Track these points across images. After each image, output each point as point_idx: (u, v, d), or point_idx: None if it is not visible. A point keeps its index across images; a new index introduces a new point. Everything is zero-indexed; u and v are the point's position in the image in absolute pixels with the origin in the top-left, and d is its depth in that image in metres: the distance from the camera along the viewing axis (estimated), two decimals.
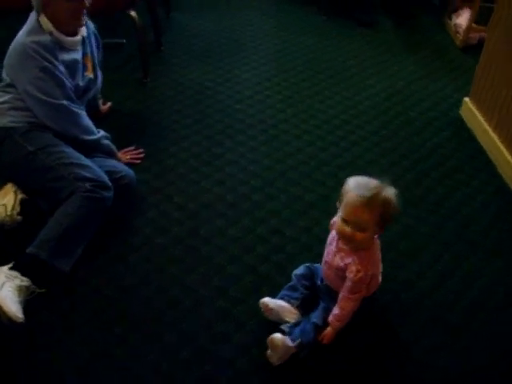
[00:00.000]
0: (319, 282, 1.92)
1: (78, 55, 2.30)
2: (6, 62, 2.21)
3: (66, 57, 2.22)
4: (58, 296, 1.96)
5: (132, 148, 2.62)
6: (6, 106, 2.19)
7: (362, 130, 2.92)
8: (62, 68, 2.19)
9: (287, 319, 1.83)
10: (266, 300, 1.86)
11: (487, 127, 2.81)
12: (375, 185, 1.67)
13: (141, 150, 2.63)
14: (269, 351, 1.76)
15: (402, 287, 2.05)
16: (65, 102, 2.20)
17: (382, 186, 1.68)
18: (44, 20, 2.15)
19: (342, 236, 1.73)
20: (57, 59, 2.17)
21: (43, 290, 1.95)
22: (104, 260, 2.11)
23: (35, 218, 2.13)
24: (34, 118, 2.19)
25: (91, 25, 2.45)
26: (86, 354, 1.79)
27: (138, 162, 2.58)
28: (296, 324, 1.81)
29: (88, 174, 2.11)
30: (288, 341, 1.73)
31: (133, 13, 3.06)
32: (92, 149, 2.34)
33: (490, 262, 2.20)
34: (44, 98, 2.16)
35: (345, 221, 1.69)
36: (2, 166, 2.22)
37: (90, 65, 2.42)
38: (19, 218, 2.16)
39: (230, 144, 2.75)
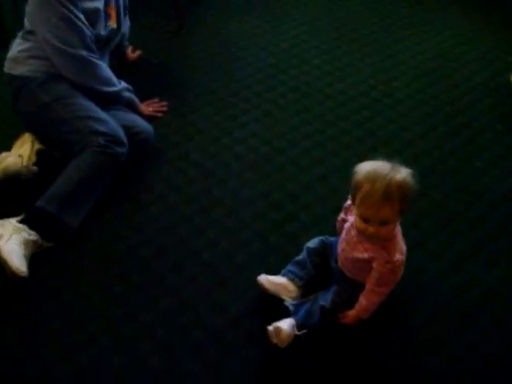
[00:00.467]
0: (334, 263, 1.80)
1: (100, 4, 2.20)
2: (26, 8, 2.15)
3: (87, 5, 2.14)
4: (64, 251, 1.97)
5: (155, 100, 2.56)
6: (25, 54, 2.16)
7: (399, 92, 2.73)
8: (82, 17, 2.12)
9: (285, 298, 1.76)
10: (263, 279, 1.79)
11: None
12: (387, 170, 1.53)
13: (164, 103, 2.56)
14: (272, 337, 1.68)
15: (417, 269, 1.94)
16: (84, 53, 2.13)
17: (394, 169, 1.54)
18: None
19: (365, 234, 1.59)
20: (77, 7, 2.09)
21: (50, 245, 1.96)
22: (112, 216, 2.09)
23: (51, 169, 2.12)
24: (53, 68, 2.14)
25: None
26: (83, 311, 1.80)
27: (160, 115, 2.52)
28: (301, 303, 1.74)
29: (102, 128, 2.07)
30: (293, 328, 1.67)
31: None
32: (112, 101, 2.30)
33: None
34: (62, 47, 2.10)
35: (364, 219, 1.56)
36: (20, 115, 2.23)
37: (113, 14, 2.32)
38: (35, 168, 2.17)
39: (257, 101, 2.64)
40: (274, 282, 1.79)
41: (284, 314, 1.72)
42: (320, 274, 1.82)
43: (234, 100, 2.63)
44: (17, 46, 2.18)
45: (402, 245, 1.66)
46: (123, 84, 2.33)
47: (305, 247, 1.86)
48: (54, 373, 1.65)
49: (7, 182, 2.13)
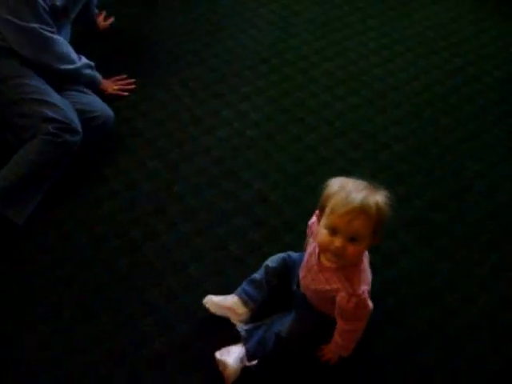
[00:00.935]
0: (295, 287, 1.61)
1: None
2: None
3: None
4: (10, 248, 1.82)
5: (123, 77, 2.34)
6: None
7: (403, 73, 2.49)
8: None
9: (234, 322, 1.60)
10: (208, 302, 1.63)
11: None
12: (365, 186, 1.35)
13: (132, 81, 2.34)
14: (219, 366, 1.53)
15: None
16: (35, 25, 1.91)
17: (372, 188, 1.36)
18: None
19: (328, 250, 1.37)
20: None
21: None
22: (63, 211, 1.93)
23: (3, 151, 1.94)
24: (3, 42, 1.94)
25: None
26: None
27: (126, 94, 2.30)
28: (255, 328, 1.57)
29: (53, 114, 1.88)
30: (241, 361, 1.51)
31: None
32: (71, 79, 2.09)
33: None
34: (13, 19, 1.88)
35: (333, 230, 1.35)
36: None
37: None
38: None
39: (234, 81, 2.40)
40: (221, 304, 1.62)
41: (236, 338, 1.57)
42: (277, 297, 1.65)
43: (208, 80, 2.40)
44: None
45: (368, 274, 1.49)
46: (84, 60, 2.11)
47: (263, 265, 1.68)
48: None
49: None
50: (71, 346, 1.60)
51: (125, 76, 2.34)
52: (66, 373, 1.55)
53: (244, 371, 1.52)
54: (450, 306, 1.73)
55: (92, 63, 2.15)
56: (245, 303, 1.61)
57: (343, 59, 2.53)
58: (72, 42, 2.12)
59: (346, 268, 1.42)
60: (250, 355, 1.52)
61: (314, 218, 1.54)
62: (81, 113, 1.99)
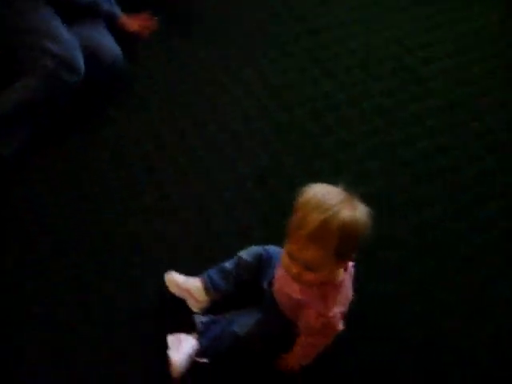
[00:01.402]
0: (266, 286, 1.47)
1: None
2: None
3: None
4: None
5: (145, 15, 2.12)
6: None
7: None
8: None
9: (192, 307, 1.50)
10: (170, 279, 1.53)
11: None
12: (335, 202, 1.15)
13: (154, 18, 2.11)
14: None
15: None
16: None
17: (345, 203, 1.16)
18: None
19: (288, 273, 1.26)
20: None
21: None
22: (60, 152, 1.84)
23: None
24: None
25: None
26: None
27: (147, 32, 2.09)
28: (213, 321, 1.46)
29: (55, 48, 1.75)
30: (189, 357, 1.41)
31: None
32: (87, 11, 1.94)
33: None
34: None
35: (290, 255, 1.21)
36: None
37: None
38: None
39: (263, 42, 2.20)
40: (181, 286, 1.51)
41: (191, 327, 1.46)
42: (244, 292, 1.53)
43: (237, 36, 2.21)
44: None
45: (346, 294, 1.33)
46: None
47: (237, 255, 1.54)
48: None
49: None
50: None
51: (147, 14, 2.13)
52: None
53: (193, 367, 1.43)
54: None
55: None
56: (207, 291, 1.50)
57: None
58: None
59: (324, 285, 1.26)
60: (202, 351, 1.42)
61: None
62: (89, 50, 1.85)
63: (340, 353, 1.49)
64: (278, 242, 1.35)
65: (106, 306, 1.55)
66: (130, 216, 1.73)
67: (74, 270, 1.61)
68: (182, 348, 1.41)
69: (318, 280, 1.23)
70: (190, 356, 1.41)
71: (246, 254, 1.54)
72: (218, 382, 1.46)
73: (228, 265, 1.53)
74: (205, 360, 1.43)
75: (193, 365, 1.42)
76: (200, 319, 1.46)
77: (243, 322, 1.44)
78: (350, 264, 1.33)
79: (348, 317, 1.35)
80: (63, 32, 1.81)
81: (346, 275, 1.30)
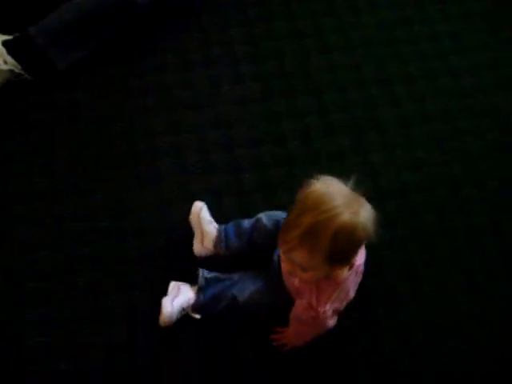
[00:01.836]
0: (276, 256, 1.41)
1: None
2: None
3: None
4: (43, 90, 1.76)
5: None
6: None
7: None
8: None
9: (195, 249, 1.48)
10: (197, 209, 1.49)
11: None
12: (339, 203, 1.05)
13: None
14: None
15: None
16: None
17: (350, 205, 1.06)
18: None
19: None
20: None
21: (29, 77, 1.74)
22: (105, 76, 1.80)
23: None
24: None
25: None
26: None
27: None
28: (216, 279, 1.43)
29: None
30: (185, 309, 1.40)
31: None
32: None
33: None
34: None
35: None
36: None
37: None
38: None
39: None
40: (200, 222, 1.48)
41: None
42: (257, 255, 1.48)
43: None
44: None
45: (347, 293, 1.26)
46: None
47: (256, 217, 1.47)
48: None
49: None
50: None
51: None
52: None
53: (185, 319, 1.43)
54: None
55: None
56: (217, 243, 1.46)
57: None
58: None
59: (322, 281, 1.19)
60: (197, 306, 1.41)
61: None
62: None
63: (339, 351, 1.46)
64: None
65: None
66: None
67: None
68: (177, 299, 1.40)
69: (313, 279, 1.16)
70: (184, 309, 1.40)
71: (265, 217, 1.47)
72: (204, 341, 1.44)
73: (246, 223, 1.48)
74: (197, 316, 1.42)
75: (184, 317, 1.42)
76: (204, 274, 1.44)
77: (245, 287, 1.41)
78: (358, 262, 1.23)
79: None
80: None
81: (350, 273, 1.22)
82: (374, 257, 1.39)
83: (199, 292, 1.41)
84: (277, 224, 1.44)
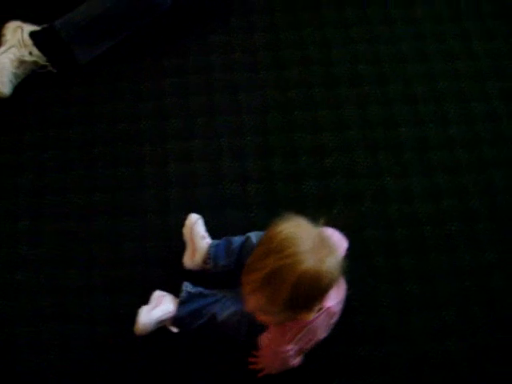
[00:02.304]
0: None
1: None
2: None
3: None
4: (62, 83, 1.79)
5: None
6: None
7: None
8: None
9: (184, 260, 1.47)
10: (191, 222, 1.48)
11: None
12: (297, 250, 1.01)
13: None
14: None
15: None
16: None
17: (318, 251, 1.02)
18: None
19: None
20: None
21: (54, 70, 1.78)
22: (123, 74, 1.80)
23: None
24: None
25: None
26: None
27: None
28: (200, 294, 1.41)
29: None
30: (162, 322, 1.40)
31: None
32: None
33: None
34: None
35: None
36: None
37: None
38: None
39: None
40: (192, 236, 1.47)
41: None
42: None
43: None
44: None
45: (314, 334, 1.21)
46: None
47: (246, 235, 1.44)
48: None
49: None
50: None
51: None
52: None
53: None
54: None
55: None
56: (205, 259, 1.45)
57: None
58: None
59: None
60: (176, 320, 1.41)
61: None
62: None
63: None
64: None
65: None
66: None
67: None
68: (156, 309, 1.40)
69: (274, 321, 1.13)
70: (161, 321, 1.40)
71: (255, 236, 1.43)
72: (177, 356, 1.46)
73: (237, 240, 1.46)
74: (175, 330, 1.42)
75: (162, 328, 1.42)
76: (188, 288, 1.43)
77: (226, 307, 1.38)
78: (330, 304, 1.19)
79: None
80: None
81: (320, 314, 1.17)
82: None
83: (180, 306, 1.41)
84: None
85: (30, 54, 1.73)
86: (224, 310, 1.38)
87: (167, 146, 1.69)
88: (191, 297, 1.42)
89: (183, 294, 1.42)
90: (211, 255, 1.45)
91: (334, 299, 1.21)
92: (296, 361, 1.24)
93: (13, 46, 1.72)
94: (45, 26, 1.75)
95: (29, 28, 1.76)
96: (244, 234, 1.46)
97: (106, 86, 1.78)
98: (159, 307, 1.40)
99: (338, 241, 1.26)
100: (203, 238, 1.48)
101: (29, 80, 1.76)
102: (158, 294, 1.44)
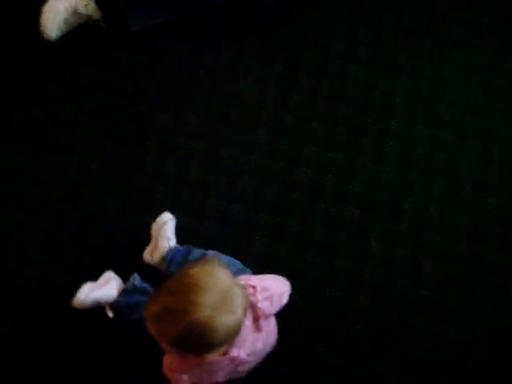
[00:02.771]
0: None
1: None
2: None
3: None
4: (108, 45, 1.82)
5: None
6: None
7: None
8: None
9: (144, 254, 1.50)
10: (163, 221, 1.49)
11: None
12: (198, 300, 1.00)
13: None
14: None
15: None
16: None
17: (206, 306, 1.00)
18: None
19: None
20: None
21: (104, 27, 1.81)
22: (165, 53, 1.81)
23: None
24: None
25: None
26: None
27: None
28: (143, 291, 1.41)
29: None
30: (101, 303, 1.42)
31: None
32: None
33: None
34: None
35: None
36: None
37: None
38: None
39: None
40: (158, 232, 1.49)
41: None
42: None
43: None
44: None
45: (212, 376, 1.19)
46: None
47: (206, 251, 1.44)
48: None
49: None
50: None
51: None
52: None
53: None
54: None
55: None
56: (162, 261, 1.46)
57: None
58: None
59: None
60: (114, 306, 1.43)
61: None
62: None
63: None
64: None
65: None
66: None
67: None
68: (98, 290, 1.42)
69: (168, 350, 1.13)
70: (99, 302, 1.42)
71: (214, 256, 1.42)
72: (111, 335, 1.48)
73: (195, 252, 1.45)
74: (110, 314, 1.44)
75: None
76: (135, 281, 1.44)
77: None
78: (238, 354, 1.16)
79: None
80: None
81: (223, 359, 1.15)
82: None
83: (122, 295, 1.43)
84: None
85: (86, 6, 1.76)
86: None
87: (177, 139, 1.72)
88: (135, 290, 1.43)
89: (129, 285, 1.44)
90: (167, 259, 1.45)
91: (247, 349, 1.18)
92: None
93: None
94: None
95: None
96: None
97: (145, 61, 1.80)
98: (102, 289, 1.43)
99: (278, 287, 1.26)
100: (168, 239, 1.49)
101: (77, 32, 1.80)
102: (107, 275, 1.46)
